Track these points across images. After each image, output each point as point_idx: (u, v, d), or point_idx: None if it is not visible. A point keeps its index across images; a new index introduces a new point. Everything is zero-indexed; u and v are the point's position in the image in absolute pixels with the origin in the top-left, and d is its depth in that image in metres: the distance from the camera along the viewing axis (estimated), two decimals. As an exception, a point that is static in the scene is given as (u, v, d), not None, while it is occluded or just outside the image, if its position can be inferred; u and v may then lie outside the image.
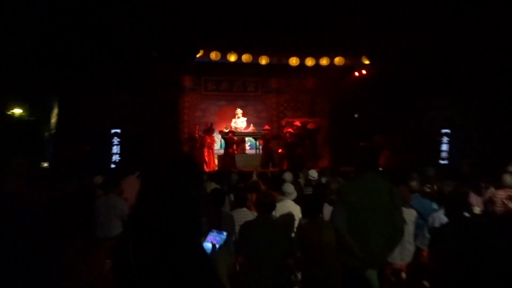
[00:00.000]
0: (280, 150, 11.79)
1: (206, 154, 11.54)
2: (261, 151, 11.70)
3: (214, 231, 2.10)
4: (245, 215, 4.27)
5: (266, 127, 12.12)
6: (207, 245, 2.00)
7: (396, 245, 3.48)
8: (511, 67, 9.67)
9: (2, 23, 8.17)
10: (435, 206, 5.19)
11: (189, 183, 1.58)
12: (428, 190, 5.97)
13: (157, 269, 1.46)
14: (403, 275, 5.23)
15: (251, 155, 11.97)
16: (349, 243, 2.94)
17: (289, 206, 4.41)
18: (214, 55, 10.98)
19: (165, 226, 1.47)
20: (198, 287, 1.45)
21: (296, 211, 4.04)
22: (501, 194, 5.66)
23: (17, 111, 11.60)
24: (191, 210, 1.54)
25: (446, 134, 11.57)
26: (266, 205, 3.53)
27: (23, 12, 8.21)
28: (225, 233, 2.10)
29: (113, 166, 10.92)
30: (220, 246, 2.03)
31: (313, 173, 6.43)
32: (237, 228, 3.91)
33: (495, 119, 10.32)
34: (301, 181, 6.44)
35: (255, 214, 4.09)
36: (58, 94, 11.27)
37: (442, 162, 11.16)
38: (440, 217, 4.49)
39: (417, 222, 4.84)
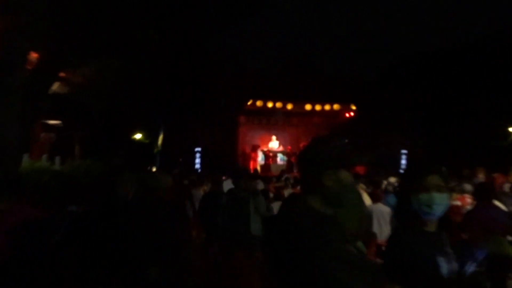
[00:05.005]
0: (299, 162, 16.55)
1: (251, 163, 16.87)
2: (286, 162, 16.61)
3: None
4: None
5: (289, 147, 17.20)
6: None
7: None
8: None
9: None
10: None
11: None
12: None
13: None
14: (383, 248, 4.96)
15: (280, 165, 16.21)
16: None
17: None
18: (258, 103, 16.24)
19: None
20: None
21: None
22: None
23: (138, 136, 16.60)
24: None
25: (404, 153, 16.57)
26: None
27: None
28: None
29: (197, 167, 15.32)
30: None
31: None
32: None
33: (433, 144, 15.53)
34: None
35: None
36: (164, 125, 16.03)
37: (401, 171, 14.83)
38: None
39: (390, 213, 5.56)
